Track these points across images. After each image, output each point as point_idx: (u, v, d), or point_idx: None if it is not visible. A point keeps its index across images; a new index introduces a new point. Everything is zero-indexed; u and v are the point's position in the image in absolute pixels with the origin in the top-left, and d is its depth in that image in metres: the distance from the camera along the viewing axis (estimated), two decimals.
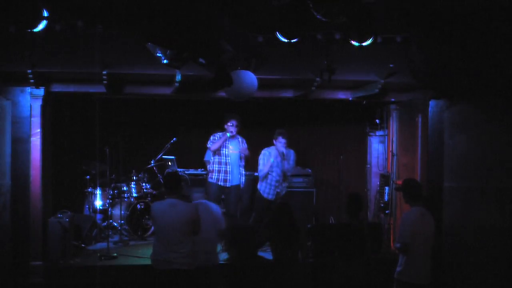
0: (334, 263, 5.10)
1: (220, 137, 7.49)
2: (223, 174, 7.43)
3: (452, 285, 6.38)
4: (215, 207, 5.70)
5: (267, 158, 7.60)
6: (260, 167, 7.63)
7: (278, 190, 7.66)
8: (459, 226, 6.40)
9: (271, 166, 7.61)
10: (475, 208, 6.20)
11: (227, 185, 7.43)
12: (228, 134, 7.44)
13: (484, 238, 6.06)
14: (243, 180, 7.71)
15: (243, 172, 7.73)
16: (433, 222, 5.07)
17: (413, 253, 4.89)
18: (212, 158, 7.60)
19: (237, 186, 7.61)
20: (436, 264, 5.20)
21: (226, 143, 7.50)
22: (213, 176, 7.47)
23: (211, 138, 7.58)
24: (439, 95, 6.90)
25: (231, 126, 7.48)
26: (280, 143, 7.54)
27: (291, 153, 7.76)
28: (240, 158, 7.66)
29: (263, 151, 7.71)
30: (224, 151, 7.49)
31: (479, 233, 6.12)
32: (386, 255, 7.14)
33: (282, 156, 7.54)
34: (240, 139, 7.69)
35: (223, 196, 7.65)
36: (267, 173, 7.58)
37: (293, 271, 4.70)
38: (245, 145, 7.66)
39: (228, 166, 7.47)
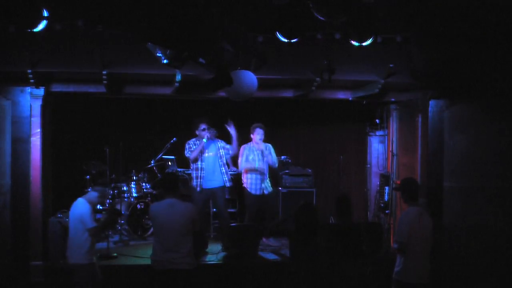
0: (333, 263, 5.09)
1: (196, 144, 7.33)
2: (201, 180, 7.34)
3: (452, 285, 6.38)
4: (82, 207, 5.45)
5: (246, 154, 7.66)
6: (240, 163, 7.73)
7: (263, 186, 7.67)
8: (459, 226, 6.40)
9: (253, 162, 7.63)
10: (475, 208, 6.20)
11: (209, 187, 7.36)
12: (204, 140, 7.26)
13: (484, 238, 6.06)
14: (227, 179, 7.49)
15: (225, 170, 7.50)
16: (431, 221, 5.06)
17: (411, 253, 4.88)
18: (191, 165, 7.49)
19: (221, 187, 7.47)
20: (436, 264, 5.19)
21: (204, 147, 7.35)
22: (196, 182, 7.38)
23: (187, 146, 7.38)
24: (439, 95, 6.90)
25: (203, 131, 7.29)
26: (258, 134, 7.56)
27: (269, 147, 7.73)
28: (221, 158, 7.47)
29: (241, 147, 7.72)
30: (201, 156, 7.36)
31: (479, 233, 6.12)
32: (386, 255, 7.14)
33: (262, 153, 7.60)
34: (217, 141, 7.51)
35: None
36: (249, 169, 7.64)
37: (309, 270, 4.70)
38: (228, 145, 7.50)
39: (204, 171, 7.35)
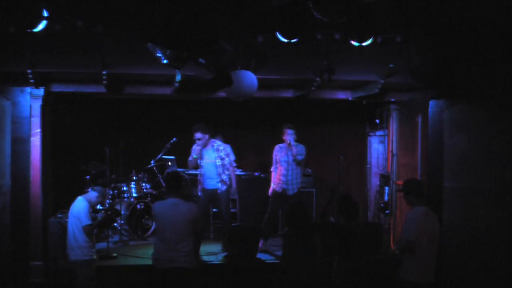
0: (334, 263, 5.09)
1: (194, 151, 7.31)
2: (201, 183, 7.40)
3: (452, 285, 6.38)
4: (79, 205, 5.53)
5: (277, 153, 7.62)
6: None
7: (285, 186, 7.53)
8: (459, 226, 6.40)
9: (280, 161, 7.54)
10: (475, 208, 6.20)
11: (208, 188, 7.34)
12: (195, 156, 7.24)
13: (484, 238, 6.06)
14: (221, 185, 7.34)
15: (222, 178, 7.34)
16: (438, 221, 5.04)
17: (418, 252, 4.85)
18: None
19: (216, 190, 7.33)
20: (436, 264, 5.19)
21: (202, 154, 7.32)
22: (198, 183, 7.45)
23: (191, 154, 7.40)
24: (439, 95, 6.90)
25: (197, 140, 7.23)
26: (288, 135, 7.43)
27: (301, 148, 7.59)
28: (218, 166, 7.35)
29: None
30: (200, 162, 7.37)
31: (479, 233, 6.12)
32: (386, 255, 7.14)
33: (289, 146, 7.42)
34: (215, 147, 7.37)
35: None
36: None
37: (306, 270, 4.69)
38: (227, 149, 7.43)
39: (203, 176, 7.37)
